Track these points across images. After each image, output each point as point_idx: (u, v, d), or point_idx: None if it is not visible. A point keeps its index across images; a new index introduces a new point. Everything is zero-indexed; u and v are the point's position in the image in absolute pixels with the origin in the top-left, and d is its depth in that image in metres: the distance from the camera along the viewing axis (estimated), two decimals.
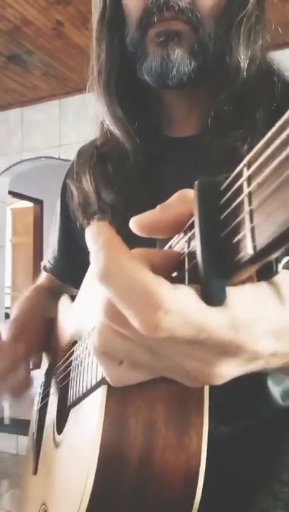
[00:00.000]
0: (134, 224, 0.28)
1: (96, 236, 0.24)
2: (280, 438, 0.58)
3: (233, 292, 0.22)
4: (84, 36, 2.82)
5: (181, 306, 0.22)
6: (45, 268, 0.89)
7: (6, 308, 4.36)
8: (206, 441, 0.38)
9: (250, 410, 0.61)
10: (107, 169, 0.66)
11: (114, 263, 0.23)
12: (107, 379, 0.30)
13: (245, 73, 0.58)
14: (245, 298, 0.23)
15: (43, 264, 0.91)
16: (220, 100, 0.59)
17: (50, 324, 0.85)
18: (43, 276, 0.92)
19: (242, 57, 0.58)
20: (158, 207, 0.28)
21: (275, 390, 0.60)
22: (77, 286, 0.86)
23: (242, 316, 0.22)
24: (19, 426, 3.35)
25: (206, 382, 0.25)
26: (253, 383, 0.59)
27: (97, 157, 0.68)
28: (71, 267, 0.83)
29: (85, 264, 0.70)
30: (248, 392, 0.59)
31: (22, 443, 3.37)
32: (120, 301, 0.23)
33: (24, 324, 0.79)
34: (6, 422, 3.64)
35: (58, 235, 0.84)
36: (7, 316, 4.23)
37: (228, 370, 0.25)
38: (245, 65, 0.58)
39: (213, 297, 0.21)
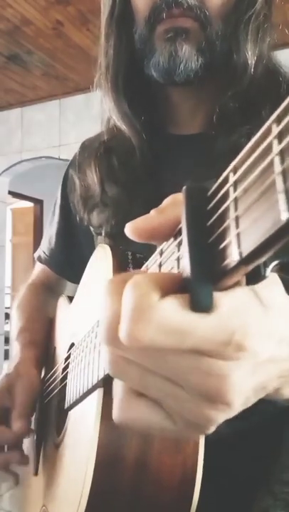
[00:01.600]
0: (130, 230, 0.27)
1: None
2: (281, 438, 0.58)
3: (219, 296, 0.22)
4: (84, 36, 2.82)
5: (157, 315, 0.22)
6: (39, 259, 0.89)
7: (6, 308, 4.36)
8: (203, 442, 0.38)
9: (250, 409, 0.60)
10: (112, 163, 0.66)
11: (110, 287, 0.25)
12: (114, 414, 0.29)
13: (252, 71, 0.58)
14: (230, 301, 0.22)
15: (36, 254, 0.90)
16: (226, 97, 0.59)
17: (49, 325, 0.84)
18: (38, 269, 0.91)
19: (249, 55, 0.58)
20: (152, 211, 0.27)
21: None
22: (73, 280, 0.85)
23: (232, 318, 0.22)
24: None
25: (224, 398, 0.24)
26: None
27: (104, 150, 0.68)
28: (68, 259, 0.83)
29: (81, 258, 0.70)
30: None
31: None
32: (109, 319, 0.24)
33: (32, 333, 0.79)
34: None
35: (57, 227, 0.84)
36: (7, 316, 4.23)
37: (241, 380, 0.24)
38: (253, 63, 0.58)
39: (200, 303, 0.21)
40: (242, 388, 0.24)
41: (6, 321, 4.16)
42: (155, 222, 0.27)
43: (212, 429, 0.27)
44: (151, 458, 0.37)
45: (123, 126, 0.65)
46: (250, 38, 0.58)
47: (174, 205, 0.27)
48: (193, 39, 0.57)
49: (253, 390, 0.26)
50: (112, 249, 0.47)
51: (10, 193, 4.44)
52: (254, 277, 0.23)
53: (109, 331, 0.24)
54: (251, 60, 0.58)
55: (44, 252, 0.87)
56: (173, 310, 0.22)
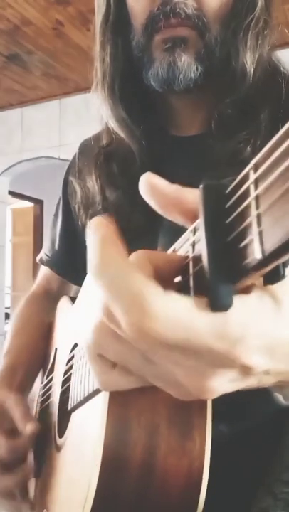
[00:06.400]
0: (147, 177, 0.27)
1: (94, 231, 0.25)
2: (281, 438, 0.58)
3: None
4: (84, 36, 2.82)
5: (169, 312, 0.21)
6: (41, 261, 0.88)
7: (6, 308, 4.36)
8: (210, 444, 0.38)
9: (249, 409, 0.61)
10: (112, 170, 0.66)
11: (106, 261, 0.23)
12: (97, 382, 0.29)
13: (251, 78, 0.58)
14: (242, 309, 0.22)
15: (39, 257, 0.90)
16: (224, 103, 0.59)
17: (50, 327, 0.84)
18: (41, 276, 0.91)
19: (248, 64, 0.57)
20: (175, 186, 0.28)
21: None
22: (75, 281, 0.85)
23: (237, 329, 0.22)
24: None
25: (198, 395, 0.25)
26: None
27: (103, 157, 0.68)
28: (70, 261, 0.82)
29: (84, 260, 0.69)
30: (248, 391, 0.59)
31: None
32: (110, 301, 0.23)
33: (19, 360, 0.77)
34: None
35: (60, 230, 0.83)
36: (7, 316, 4.23)
37: (220, 384, 0.24)
38: (252, 70, 0.58)
39: (219, 303, 0.21)
40: (221, 388, 0.24)
41: (6, 321, 4.16)
42: (170, 188, 0.27)
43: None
44: (157, 460, 0.37)
45: (122, 134, 0.65)
46: (250, 46, 0.58)
47: (194, 193, 0.26)
48: (191, 48, 0.57)
49: (235, 387, 0.26)
50: None
51: (10, 193, 4.44)
52: (273, 277, 0.23)
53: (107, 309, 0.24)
54: (250, 68, 0.58)
55: (46, 254, 0.87)
56: (182, 308, 0.22)
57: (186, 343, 0.22)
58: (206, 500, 0.39)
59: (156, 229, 0.62)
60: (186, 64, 0.57)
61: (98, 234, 0.25)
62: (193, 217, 0.26)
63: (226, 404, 0.42)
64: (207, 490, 0.39)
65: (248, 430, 0.60)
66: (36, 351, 0.80)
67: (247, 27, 0.57)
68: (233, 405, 0.57)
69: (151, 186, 0.27)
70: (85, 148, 0.77)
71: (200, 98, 0.63)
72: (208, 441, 0.38)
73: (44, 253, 0.87)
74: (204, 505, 0.39)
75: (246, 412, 0.60)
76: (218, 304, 0.21)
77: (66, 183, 0.80)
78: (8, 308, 4.54)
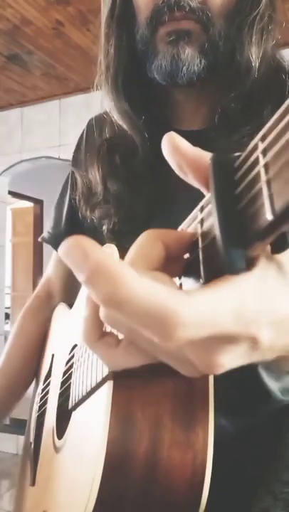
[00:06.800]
0: (169, 136, 0.28)
1: (81, 258, 0.22)
2: (281, 438, 0.58)
3: (241, 283, 0.23)
4: (84, 36, 2.81)
5: (196, 317, 0.22)
6: (43, 239, 0.88)
7: (6, 308, 4.36)
8: (213, 437, 0.38)
9: (249, 408, 0.61)
10: (114, 161, 0.66)
11: (119, 290, 0.21)
12: (105, 364, 0.30)
13: (256, 73, 0.58)
14: (254, 288, 0.23)
15: (41, 236, 0.89)
16: (228, 98, 0.59)
17: (45, 337, 0.83)
18: (45, 277, 0.91)
19: (253, 57, 0.58)
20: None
21: (275, 386, 0.60)
22: None
23: (251, 309, 0.22)
24: (19, 426, 3.33)
25: (206, 371, 0.25)
26: (249, 378, 0.59)
27: (106, 149, 0.68)
28: None
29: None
30: (247, 389, 0.59)
31: (22, 443, 3.36)
32: (136, 324, 0.22)
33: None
34: (6, 421, 3.63)
35: (66, 211, 0.82)
36: (7, 316, 4.23)
37: (229, 360, 0.25)
38: (257, 64, 0.58)
39: (233, 267, 0.22)
40: (230, 363, 0.25)
41: (6, 321, 4.16)
42: (190, 149, 0.28)
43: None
44: (161, 453, 0.37)
45: (125, 126, 0.65)
46: (255, 41, 0.58)
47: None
48: (195, 41, 0.57)
49: (242, 362, 0.26)
50: (119, 249, 0.46)
51: (10, 193, 4.44)
52: (280, 245, 0.23)
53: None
54: (255, 62, 0.58)
55: (49, 232, 0.86)
56: (205, 306, 0.22)
57: (209, 335, 0.23)
58: (207, 499, 0.39)
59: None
60: (190, 57, 0.57)
61: (90, 260, 0.21)
62: (208, 183, 0.26)
63: (226, 402, 0.42)
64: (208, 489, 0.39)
65: (249, 430, 0.60)
66: (24, 373, 0.81)
67: (252, 22, 0.58)
68: (233, 403, 0.57)
69: (173, 145, 0.28)
70: (88, 134, 0.77)
71: (203, 92, 0.64)
72: (211, 435, 0.38)
73: (47, 231, 0.87)
74: (205, 505, 0.39)
75: (246, 410, 0.60)
76: (232, 269, 0.22)
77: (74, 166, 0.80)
78: (8, 308, 4.54)
